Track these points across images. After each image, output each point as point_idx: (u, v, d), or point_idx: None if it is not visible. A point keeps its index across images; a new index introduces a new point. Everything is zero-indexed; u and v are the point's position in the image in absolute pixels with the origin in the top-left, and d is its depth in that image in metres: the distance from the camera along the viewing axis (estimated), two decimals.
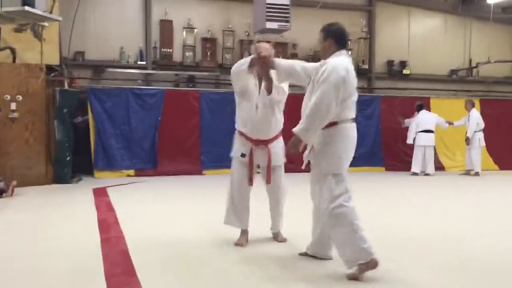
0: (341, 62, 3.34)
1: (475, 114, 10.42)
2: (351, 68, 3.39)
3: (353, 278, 3.22)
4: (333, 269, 3.44)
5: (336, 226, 3.30)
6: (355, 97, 3.41)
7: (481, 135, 10.37)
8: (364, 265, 3.20)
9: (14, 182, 6.96)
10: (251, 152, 4.12)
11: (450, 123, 10.60)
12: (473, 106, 10.52)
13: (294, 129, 3.31)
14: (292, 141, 3.32)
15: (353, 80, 3.37)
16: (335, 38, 3.44)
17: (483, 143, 10.44)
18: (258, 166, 4.29)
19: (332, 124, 3.32)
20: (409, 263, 3.63)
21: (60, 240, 4.34)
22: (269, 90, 3.98)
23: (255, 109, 4.06)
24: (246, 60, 4.02)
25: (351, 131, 3.40)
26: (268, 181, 4.19)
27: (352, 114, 3.42)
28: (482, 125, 10.42)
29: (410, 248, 4.10)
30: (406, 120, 10.62)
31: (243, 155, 4.14)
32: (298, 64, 3.74)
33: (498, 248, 4.13)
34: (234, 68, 4.11)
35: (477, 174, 10.21)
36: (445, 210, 6.18)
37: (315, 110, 3.24)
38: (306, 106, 3.39)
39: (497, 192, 8.05)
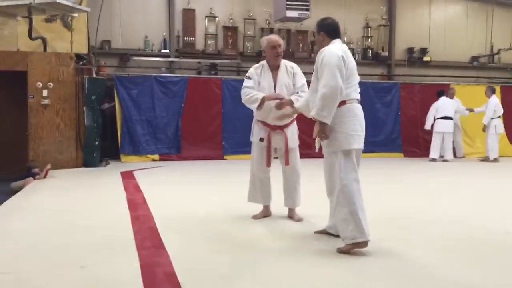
0: (335, 47, 3.62)
1: (494, 100, 10.45)
2: (347, 51, 3.65)
3: (343, 251, 3.48)
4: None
5: (343, 203, 3.49)
6: (357, 79, 3.65)
7: (498, 122, 10.41)
8: (358, 244, 3.43)
9: (49, 166, 7.38)
10: (269, 136, 4.44)
11: (471, 110, 10.66)
12: (493, 92, 10.54)
13: (312, 114, 3.54)
14: (320, 128, 3.52)
15: (351, 61, 3.63)
16: (326, 31, 3.74)
17: (500, 130, 10.48)
18: (275, 150, 4.58)
19: (341, 103, 3.52)
20: (419, 243, 3.83)
21: (93, 217, 4.69)
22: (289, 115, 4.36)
23: (272, 101, 4.33)
24: (255, 100, 4.32)
25: (358, 110, 3.63)
26: (286, 162, 4.47)
27: (357, 95, 3.65)
28: (500, 112, 10.45)
29: (422, 229, 4.30)
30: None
31: (261, 140, 4.49)
32: (310, 95, 3.83)
33: (502, 226, 4.31)
34: (244, 100, 4.47)
35: (496, 160, 10.28)
36: (459, 194, 6.35)
37: (325, 92, 3.45)
38: (312, 93, 3.68)
39: (509, 177, 8.15)
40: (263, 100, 4.30)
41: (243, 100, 4.49)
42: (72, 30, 8.31)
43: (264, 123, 4.47)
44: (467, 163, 10.27)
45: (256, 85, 4.43)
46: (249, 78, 4.46)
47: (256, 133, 4.55)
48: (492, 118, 10.33)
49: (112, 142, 9.76)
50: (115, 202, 5.42)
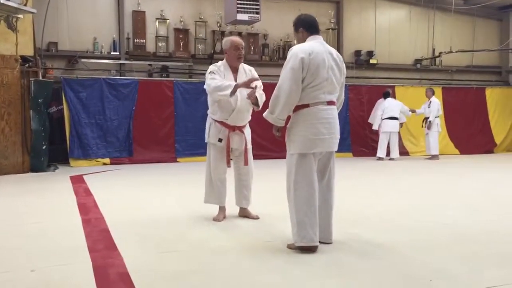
0: (304, 46, 3.52)
1: (436, 100, 11.01)
2: (319, 50, 3.49)
3: (291, 248, 3.53)
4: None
5: (292, 206, 3.51)
6: (325, 80, 3.49)
7: (439, 121, 10.95)
8: (301, 247, 3.45)
9: None
10: (228, 137, 4.47)
11: (413, 111, 11.13)
12: (433, 93, 11.09)
13: (264, 114, 3.61)
14: (273, 127, 3.62)
15: (322, 62, 3.46)
16: (304, 26, 3.65)
17: (440, 129, 11.04)
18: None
19: (304, 106, 3.49)
20: (365, 237, 4.02)
21: (43, 222, 4.60)
22: (255, 104, 4.35)
23: (236, 101, 4.38)
24: (228, 86, 4.24)
25: (322, 113, 3.49)
26: (246, 162, 4.55)
27: (327, 96, 3.52)
28: (440, 111, 11.01)
29: (368, 223, 4.50)
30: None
31: (220, 140, 4.49)
32: None
33: (441, 219, 4.58)
34: (213, 91, 4.30)
35: (436, 157, 10.79)
36: (403, 190, 6.66)
37: (276, 94, 3.52)
38: None
39: (451, 174, 8.60)
40: (236, 88, 4.25)
41: (211, 88, 4.32)
42: (17, 31, 8.06)
43: (223, 124, 4.48)
44: (412, 161, 10.72)
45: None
46: (213, 73, 4.42)
47: (214, 133, 4.52)
48: (435, 117, 10.85)
49: (60, 146, 9.53)
50: (65, 206, 5.33)
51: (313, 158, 3.52)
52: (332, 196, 3.71)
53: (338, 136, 3.65)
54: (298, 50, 3.47)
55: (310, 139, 3.48)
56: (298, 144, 3.50)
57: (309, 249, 3.46)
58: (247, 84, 4.27)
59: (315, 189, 3.50)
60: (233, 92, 4.24)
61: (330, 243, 3.67)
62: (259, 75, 4.65)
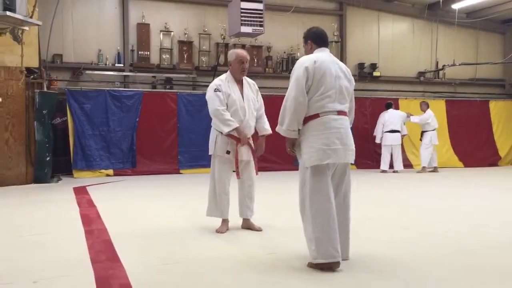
0: (309, 56, 3.51)
1: (430, 113, 10.99)
2: (325, 59, 3.47)
3: (311, 267, 3.38)
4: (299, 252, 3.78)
5: (308, 222, 3.37)
6: (333, 89, 3.43)
7: (433, 134, 10.92)
8: (320, 264, 3.29)
9: None
10: (236, 149, 4.48)
11: (410, 115, 11.01)
12: (427, 107, 11.08)
13: (276, 128, 3.55)
14: (287, 141, 3.53)
15: (328, 71, 3.43)
16: (312, 39, 3.66)
17: (436, 142, 10.99)
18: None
19: (314, 116, 3.41)
20: (367, 249, 3.99)
21: (46, 233, 4.58)
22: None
23: (244, 114, 4.46)
24: (229, 124, 4.38)
25: (333, 123, 3.41)
26: (256, 172, 4.60)
27: (335, 106, 3.43)
28: (435, 125, 10.96)
29: (369, 235, 4.46)
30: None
31: (228, 152, 4.50)
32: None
33: (444, 231, 4.56)
34: (213, 113, 4.46)
35: (424, 170, 10.81)
36: (406, 203, 6.62)
37: (283, 105, 3.47)
38: None
39: (454, 186, 8.57)
40: (236, 129, 4.39)
41: (213, 108, 4.44)
42: (22, 43, 8.11)
43: (231, 136, 4.48)
44: (415, 173, 10.66)
45: (225, 97, 4.47)
46: (218, 90, 4.47)
47: (221, 146, 4.52)
48: (428, 131, 10.86)
49: (64, 157, 9.56)
50: (68, 217, 5.32)
51: (328, 171, 3.40)
52: (349, 211, 3.55)
53: (353, 148, 3.51)
54: (303, 60, 3.48)
55: (322, 149, 3.35)
56: (310, 156, 3.37)
57: (329, 266, 3.29)
58: (243, 142, 4.45)
59: (332, 203, 3.35)
60: (227, 133, 4.39)
61: (347, 259, 3.52)
62: (262, 88, 4.69)
